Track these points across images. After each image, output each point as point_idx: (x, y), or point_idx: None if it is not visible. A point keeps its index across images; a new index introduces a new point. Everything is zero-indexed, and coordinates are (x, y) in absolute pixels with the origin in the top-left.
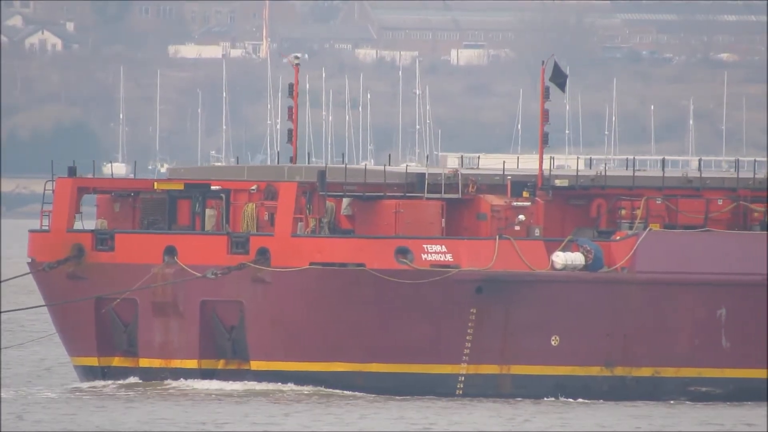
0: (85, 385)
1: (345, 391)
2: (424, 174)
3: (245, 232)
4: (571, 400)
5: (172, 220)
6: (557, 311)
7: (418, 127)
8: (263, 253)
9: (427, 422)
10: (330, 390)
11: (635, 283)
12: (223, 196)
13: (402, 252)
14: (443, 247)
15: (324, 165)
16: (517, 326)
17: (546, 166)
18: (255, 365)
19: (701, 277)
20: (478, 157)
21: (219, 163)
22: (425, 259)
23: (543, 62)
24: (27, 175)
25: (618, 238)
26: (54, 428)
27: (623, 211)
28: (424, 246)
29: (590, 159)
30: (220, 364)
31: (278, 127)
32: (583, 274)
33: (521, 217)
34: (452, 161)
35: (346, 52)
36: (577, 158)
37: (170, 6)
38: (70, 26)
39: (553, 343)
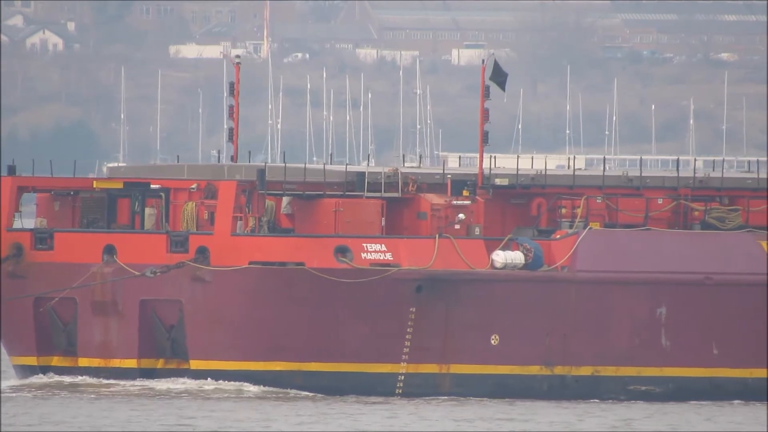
0: (22, 383)
1: (286, 390)
2: (363, 173)
3: (185, 231)
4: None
5: (112, 219)
6: (497, 310)
7: (418, 126)
8: (203, 252)
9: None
10: (269, 389)
11: (575, 282)
12: (162, 194)
13: (342, 251)
14: (383, 246)
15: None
16: (457, 325)
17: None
18: (194, 364)
19: (641, 276)
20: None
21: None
22: (365, 258)
23: (483, 61)
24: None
25: (558, 237)
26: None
27: (563, 210)
28: (364, 245)
29: (572, 159)
30: (160, 364)
31: (279, 127)
32: (523, 273)
33: (461, 216)
34: (453, 161)
35: (347, 51)
36: (517, 157)
37: (171, 6)
38: (70, 26)
39: (492, 342)
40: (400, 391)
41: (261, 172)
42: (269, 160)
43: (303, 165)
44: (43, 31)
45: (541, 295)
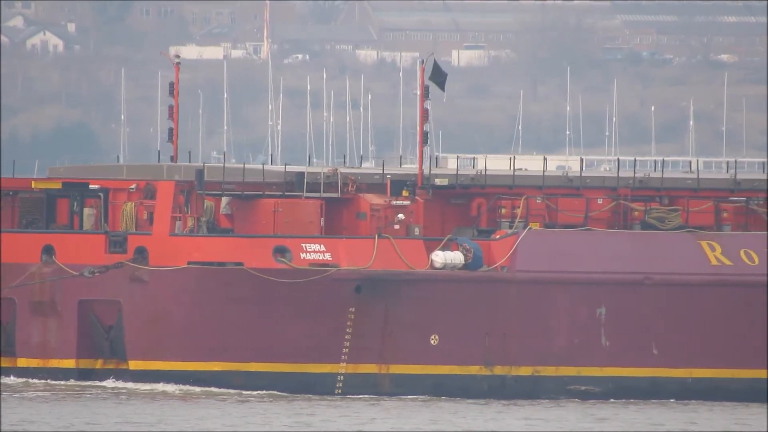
0: None
1: (225, 390)
2: (303, 173)
3: (124, 231)
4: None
5: (51, 219)
6: (436, 310)
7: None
8: (141, 252)
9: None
10: (208, 389)
11: (515, 282)
12: (101, 195)
13: (280, 251)
14: (322, 246)
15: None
16: (397, 325)
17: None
18: (133, 365)
19: (581, 276)
20: (483, 158)
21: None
22: (304, 258)
23: (423, 61)
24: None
25: (498, 237)
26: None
27: (503, 210)
28: (303, 245)
29: (513, 159)
30: (98, 364)
31: (279, 128)
32: (463, 273)
33: (401, 216)
34: (453, 162)
35: (347, 53)
36: (458, 157)
37: (171, 7)
38: (71, 27)
39: (432, 342)
40: (340, 390)
41: (199, 172)
42: (269, 161)
43: (242, 165)
44: (44, 32)
45: (481, 295)
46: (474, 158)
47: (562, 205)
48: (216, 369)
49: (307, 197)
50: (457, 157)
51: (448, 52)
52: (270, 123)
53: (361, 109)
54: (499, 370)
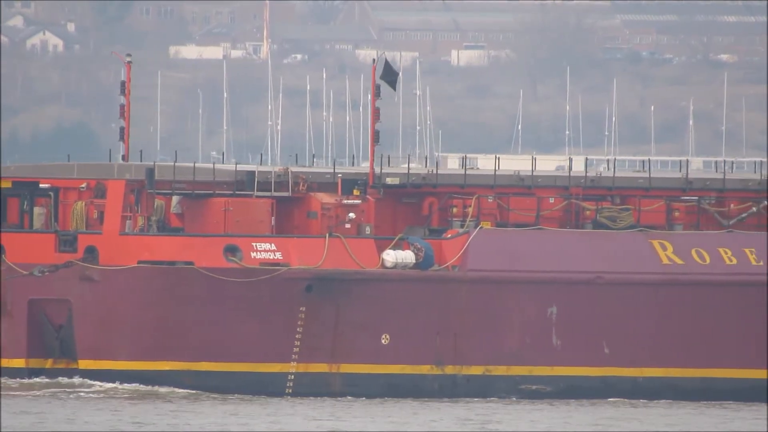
0: None
1: (175, 389)
2: (253, 172)
3: (74, 230)
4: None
5: (1, 218)
6: (387, 310)
7: (418, 127)
8: (91, 251)
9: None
10: (158, 389)
11: (466, 281)
12: (51, 194)
13: (231, 250)
14: (272, 245)
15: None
16: (347, 325)
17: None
18: (83, 364)
19: (532, 275)
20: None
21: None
22: (254, 257)
23: (374, 60)
24: None
25: (449, 236)
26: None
27: (455, 210)
28: (254, 244)
29: (464, 158)
30: (48, 363)
31: (279, 128)
32: (414, 272)
33: (351, 215)
34: (453, 162)
35: (347, 52)
36: (408, 156)
37: (171, 7)
38: (70, 27)
39: (383, 341)
40: (290, 390)
41: (149, 171)
42: (269, 161)
43: (192, 164)
44: (44, 32)
45: (432, 294)
46: (468, 157)
47: (513, 204)
48: (166, 368)
49: (257, 196)
50: (465, 156)
51: (447, 52)
52: (270, 123)
53: (361, 108)
54: (450, 370)
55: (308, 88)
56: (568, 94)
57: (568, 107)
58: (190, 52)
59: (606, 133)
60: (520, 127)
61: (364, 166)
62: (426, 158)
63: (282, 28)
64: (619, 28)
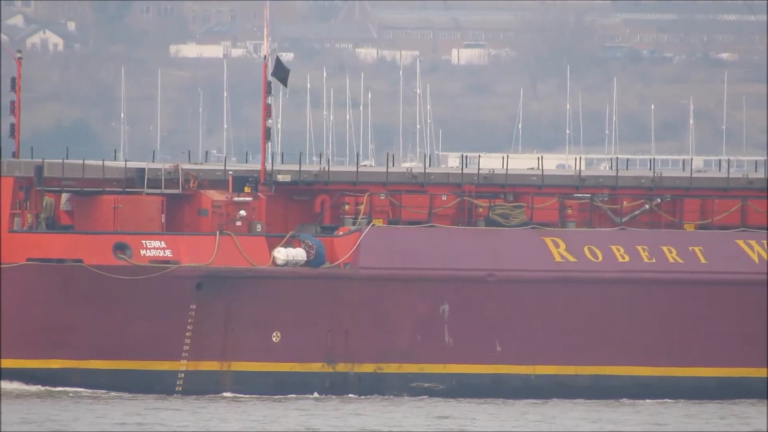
0: None
1: (62, 388)
2: (143, 169)
3: None
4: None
5: None
6: (278, 307)
7: (418, 126)
8: None
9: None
10: (47, 387)
11: (357, 278)
12: None
13: (120, 247)
14: (162, 242)
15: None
16: (238, 322)
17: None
18: None
19: (424, 273)
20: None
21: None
22: (144, 254)
23: (265, 57)
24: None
25: (341, 233)
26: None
27: (347, 207)
28: (143, 242)
29: (359, 156)
30: None
31: (279, 126)
32: (305, 269)
33: (242, 212)
34: (453, 161)
35: (347, 51)
36: (299, 154)
37: (171, 5)
38: (71, 26)
39: (274, 339)
40: (180, 388)
41: (38, 168)
42: (269, 160)
43: (81, 161)
44: (44, 30)
45: (323, 292)
46: (472, 156)
47: (405, 202)
48: (55, 366)
49: (147, 193)
50: (466, 155)
51: (448, 51)
52: (270, 121)
53: (361, 107)
54: (341, 368)
55: (308, 86)
56: (568, 93)
57: (568, 106)
58: (190, 50)
59: (606, 131)
60: (520, 125)
61: (405, 165)
62: (426, 157)
63: (282, 27)
64: (620, 27)
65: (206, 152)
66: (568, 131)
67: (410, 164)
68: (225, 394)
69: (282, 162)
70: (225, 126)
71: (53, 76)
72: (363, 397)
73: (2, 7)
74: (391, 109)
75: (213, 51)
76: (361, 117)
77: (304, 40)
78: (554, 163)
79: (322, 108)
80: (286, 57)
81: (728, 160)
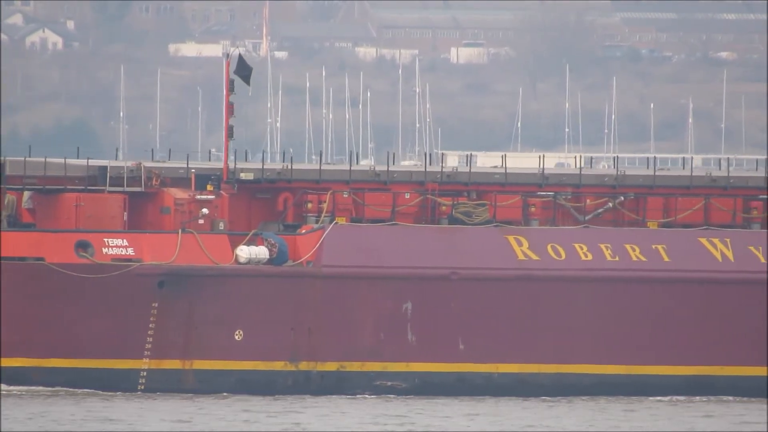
0: None
1: (23, 387)
2: (105, 167)
3: None
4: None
5: None
6: (241, 305)
7: (417, 125)
8: None
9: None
10: (5, 386)
11: (320, 276)
12: None
13: (82, 246)
14: (125, 240)
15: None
16: (201, 321)
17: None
18: None
19: (387, 271)
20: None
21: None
22: (106, 253)
23: (227, 56)
24: None
25: (303, 231)
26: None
27: (309, 205)
28: (106, 240)
29: (321, 156)
30: None
31: (278, 125)
32: (268, 268)
33: (205, 210)
34: (452, 159)
35: (346, 50)
36: (265, 154)
37: (170, 5)
38: (70, 25)
39: (236, 337)
40: (143, 387)
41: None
42: (269, 159)
43: (43, 159)
44: (43, 29)
45: (286, 290)
46: (471, 155)
47: (368, 200)
48: (17, 365)
49: (110, 191)
50: (469, 154)
51: (447, 50)
52: (269, 120)
53: (360, 106)
54: (304, 366)
55: (308, 85)
56: (567, 92)
57: (567, 105)
58: (189, 50)
59: (606, 131)
60: (519, 124)
61: (405, 164)
62: (426, 156)
63: (282, 26)
64: (619, 26)
65: (209, 151)
66: (567, 130)
67: (410, 162)
68: (186, 393)
69: (246, 160)
70: (223, 125)
71: (53, 76)
72: (323, 396)
73: (2, 6)
74: (391, 108)
75: (212, 50)
76: (360, 116)
77: (304, 39)
78: (554, 162)
79: (322, 107)
80: (280, 56)
81: (728, 159)
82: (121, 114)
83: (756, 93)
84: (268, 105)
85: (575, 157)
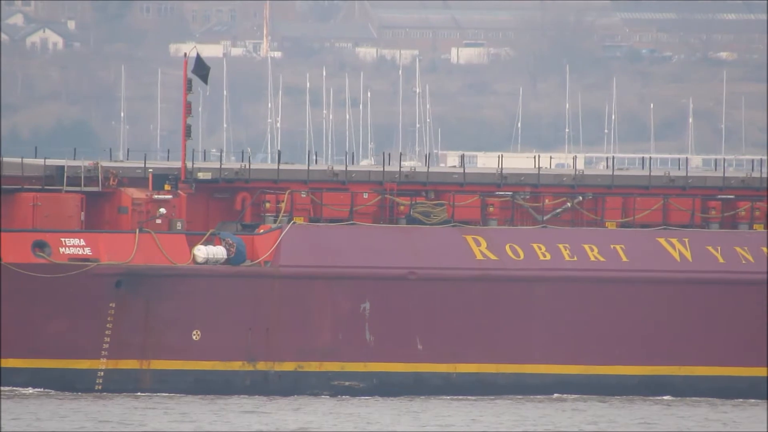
0: None
1: None
2: (63, 167)
3: None
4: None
5: None
6: (198, 305)
7: (418, 125)
8: None
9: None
10: None
11: (278, 276)
12: None
13: (39, 245)
14: (82, 240)
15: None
16: (158, 321)
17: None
18: None
19: (345, 271)
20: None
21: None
22: (63, 252)
23: (185, 55)
24: None
25: (261, 231)
26: None
27: (268, 205)
28: (63, 239)
29: (278, 155)
30: None
31: (278, 125)
32: (225, 268)
33: (162, 210)
34: (452, 159)
35: (347, 50)
36: (221, 153)
37: (171, 5)
38: (71, 25)
39: (194, 337)
40: (100, 387)
41: None
42: (269, 159)
43: None
44: (44, 29)
45: (244, 290)
46: (468, 155)
47: (327, 200)
48: None
49: (67, 191)
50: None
51: (447, 50)
52: (269, 120)
53: (361, 106)
54: (262, 366)
55: (308, 86)
56: (567, 92)
57: (567, 105)
58: (190, 50)
59: (606, 130)
60: (519, 124)
61: (405, 164)
62: (426, 155)
63: (282, 26)
64: (619, 26)
65: (204, 151)
66: (567, 130)
67: (410, 163)
68: (143, 392)
69: (204, 159)
70: (225, 125)
71: (53, 76)
72: (280, 396)
73: (2, 6)
74: (391, 109)
75: (213, 50)
76: (360, 116)
77: (304, 39)
78: (554, 162)
79: (322, 107)
80: (276, 56)
81: (724, 160)
82: (122, 114)
83: (756, 93)
84: (269, 105)
85: (574, 158)
